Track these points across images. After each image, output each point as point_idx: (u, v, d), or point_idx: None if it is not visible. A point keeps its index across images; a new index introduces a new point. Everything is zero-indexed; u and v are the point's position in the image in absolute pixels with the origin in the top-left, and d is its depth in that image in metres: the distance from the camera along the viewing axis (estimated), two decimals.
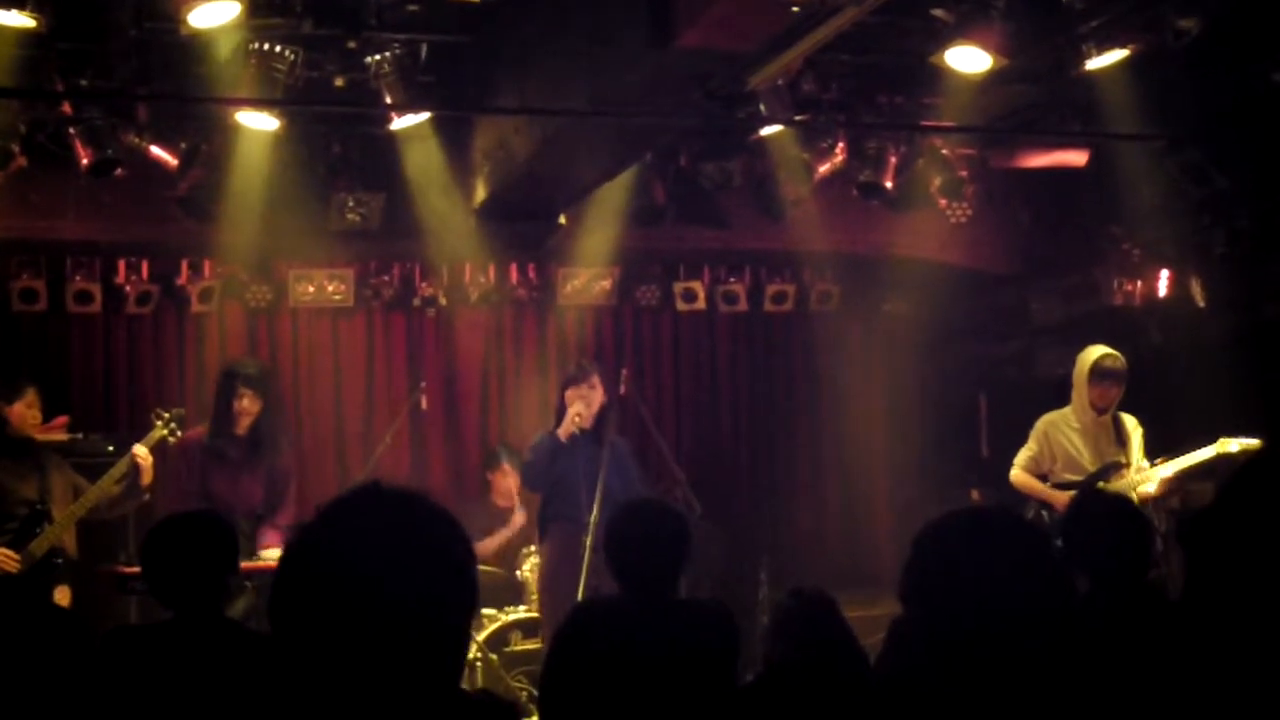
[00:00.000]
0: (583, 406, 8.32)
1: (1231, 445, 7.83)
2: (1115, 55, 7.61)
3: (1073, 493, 8.05)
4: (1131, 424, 8.21)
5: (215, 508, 7.46)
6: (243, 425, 8.10)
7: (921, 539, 2.31)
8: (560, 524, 8.27)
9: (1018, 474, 8.36)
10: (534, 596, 8.90)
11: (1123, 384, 8.12)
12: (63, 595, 7.54)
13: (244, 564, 7.18)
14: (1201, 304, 9.65)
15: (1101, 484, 8.04)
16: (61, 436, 8.69)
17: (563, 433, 8.30)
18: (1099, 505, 5.22)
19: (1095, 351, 8.17)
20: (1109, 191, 9.49)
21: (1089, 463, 8.16)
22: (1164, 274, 10.05)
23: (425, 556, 2.06)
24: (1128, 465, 8.08)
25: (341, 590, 1.99)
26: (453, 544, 2.11)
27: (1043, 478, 8.28)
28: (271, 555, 7.85)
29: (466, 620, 2.13)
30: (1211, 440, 7.86)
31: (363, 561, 2.01)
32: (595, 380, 8.45)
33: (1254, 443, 7.84)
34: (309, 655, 1.99)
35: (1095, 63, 7.67)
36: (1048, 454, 8.29)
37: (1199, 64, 7.81)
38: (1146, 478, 7.97)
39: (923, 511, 4.65)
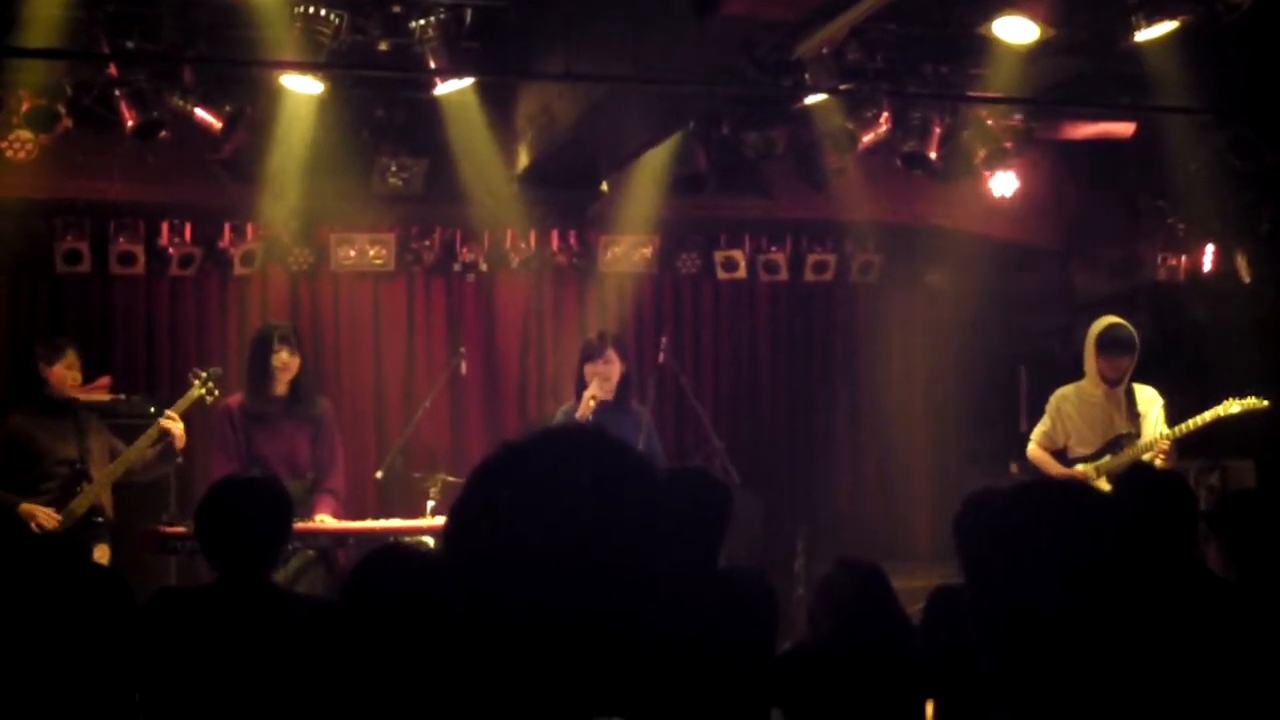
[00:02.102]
0: (598, 386, 8.28)
1: (1234, 407, 7.77)
2: (1165, 27, 7.54)
3: (1083, 467, 8.03)
4: (1147, 396, 8.08)
5: (264, 470, 7.53)
6: (281, 383, 8.10)
7: (979, 510, 2.28)
8: None
9: (1032, 449, 8.30)
10: None
11: (1132, 354, 7.98)
12: (102, 554, 7.60)
13: (296, 526, 7.23)
14: (1247, 280, 9.57)
15: (1109, 457, 7.97)
16: (104, 397, 8.75)
17: (580, 415, 8.26)
18: (1146, 480, 5.19)
19: (1103, 322, 8.06)
20: (1155, 165, 9.43)
21: (1099, 437, 8.08)
22: (1209, 249, 9.97)
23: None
24: (1138, 437, 7.98)
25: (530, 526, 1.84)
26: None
27: (1062, 453, 8.22)
28: (328, 521, 7.90)
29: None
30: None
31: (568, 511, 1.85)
32: (611, 355, 8.41)
33: (1259, 403, 7.78)
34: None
35: (1144, 34, 7.60)
36: (1060, 429, 8.21)
37: (1249, 37, 7.73)
38: (1151, 448, 7.85)
39: (961, 484, 4.66)
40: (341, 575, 7.02)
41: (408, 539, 7.80)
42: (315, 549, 7.82)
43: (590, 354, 8.40)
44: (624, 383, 8.37)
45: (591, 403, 8.21)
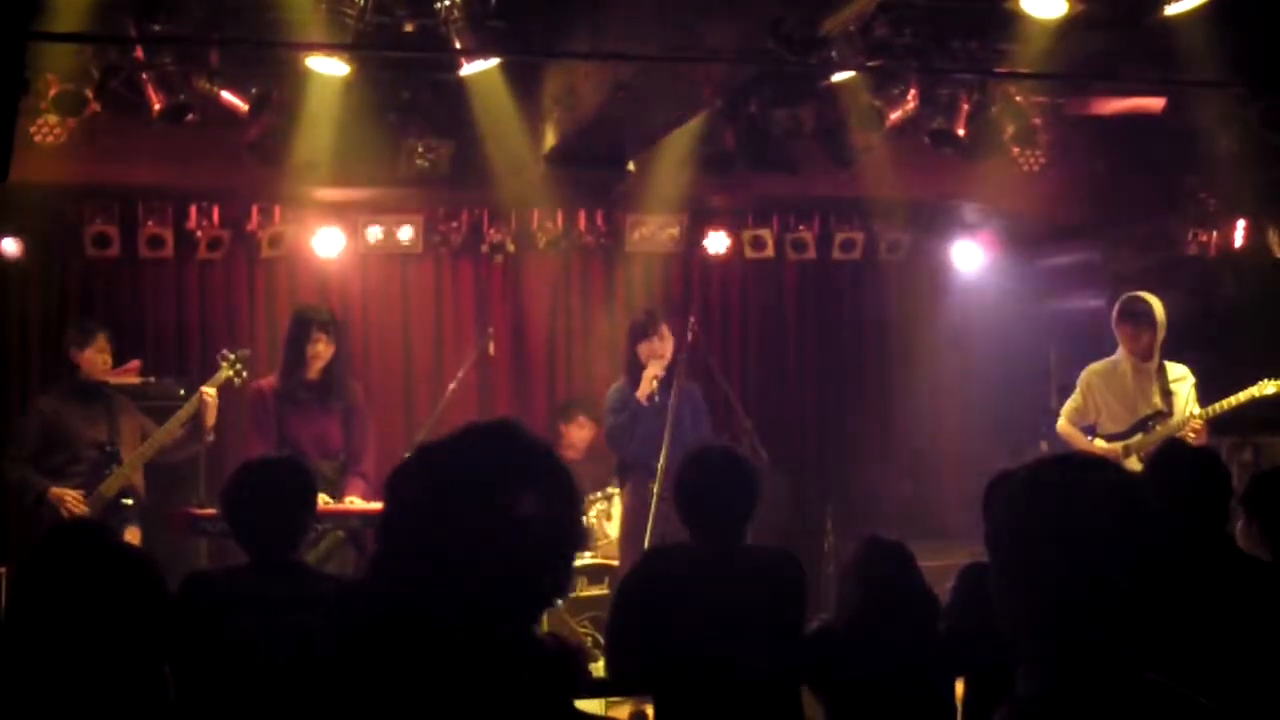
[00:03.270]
0: (658, 365, 8.36)
1: (1269, 388, 7.73)
2: (1195, 0, 7.47)
3: (1116, 445, 8.00)
4: (1178, 373, 8.06)
5: (296, 452, 7.56)
6: (315, 369, 8.17)
7: (1008, 486, 2.26)
8: (638, 472, 8.35)
9: (1062, 424, 8.30)
10: (600, 543, 9.03)
11: (1151, 326, 7.96)
12: (133, 536, 7.65)
13: (326, 507, 7.26)
14: (1278, 255, 9.51)
15: (1140, 435, 7.94)
16: (134, 380, 8.78)
17: (642, 395, 8.33)
18: (1179, 455, 5.15)
19: (1124, 296, 8.09)
20: (1185, 140, 9.35)
21: (1130, 413, 8.05)
22: (1240, 224, 9.90)
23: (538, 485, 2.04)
24: (1169, 415, 7.95)
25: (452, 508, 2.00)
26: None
27: (1092, 430, 8.20)
28: (357, 503, 7.93)
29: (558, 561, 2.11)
30: None
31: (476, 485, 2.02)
32: (665, 331, 8.49)
33: None
34: (402, 579, 1.95)
35: (1175, 8, 7.52)
36: (1091, 404, 8.20)
37: None
38: (1182, 427, 7.81)
39: (990, 463, 4.64)
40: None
41: None
42: (345, 530, 7.85)
43: (644, 332, 8.48)
44: (672, 361, 8.45)
45: (655, 382, 8.28)
